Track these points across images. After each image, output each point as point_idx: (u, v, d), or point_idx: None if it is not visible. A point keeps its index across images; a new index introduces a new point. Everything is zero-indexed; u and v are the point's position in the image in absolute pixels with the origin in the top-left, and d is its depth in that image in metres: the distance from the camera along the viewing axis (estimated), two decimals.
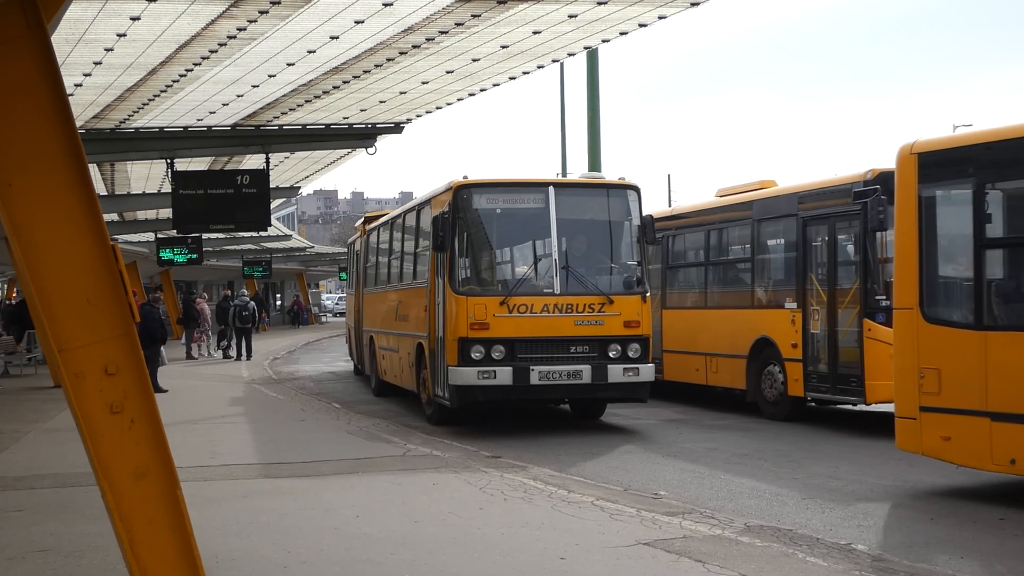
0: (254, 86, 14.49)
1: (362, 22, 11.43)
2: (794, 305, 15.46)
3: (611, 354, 14.27)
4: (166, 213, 27.20)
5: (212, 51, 12.38)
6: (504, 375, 13.96)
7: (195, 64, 12.99)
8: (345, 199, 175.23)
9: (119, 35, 11.40)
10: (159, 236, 31.65)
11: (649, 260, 18.54)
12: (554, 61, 14.20)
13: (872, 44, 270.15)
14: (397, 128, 18.34)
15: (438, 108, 17.03)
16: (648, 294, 14.90)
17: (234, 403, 19.13)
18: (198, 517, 6.91)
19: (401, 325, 17.83)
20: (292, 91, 15.04)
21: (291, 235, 52.48)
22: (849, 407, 16.04)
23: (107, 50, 12.03)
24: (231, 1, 10.43)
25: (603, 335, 14.27)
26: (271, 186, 19.00)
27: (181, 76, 13.61)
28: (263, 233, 34.90)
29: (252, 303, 32.65)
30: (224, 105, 15.78)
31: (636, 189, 15.14)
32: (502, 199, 14.85)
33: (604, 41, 13.31)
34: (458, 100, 16.47)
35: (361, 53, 12.96)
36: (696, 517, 8.79)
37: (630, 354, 14.37)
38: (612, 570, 7.23)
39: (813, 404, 16.25)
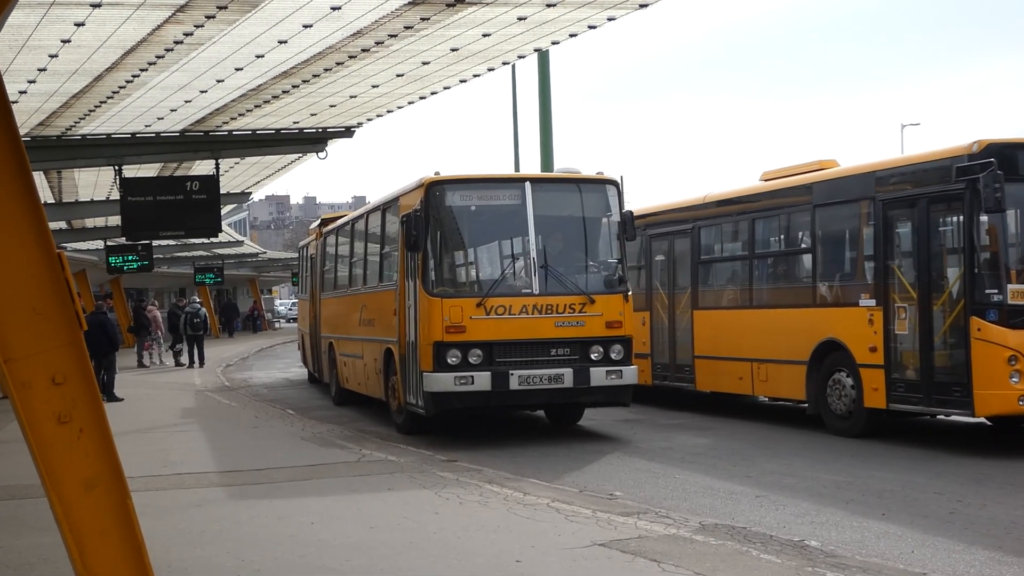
0: (202, 91, 14.40)
1: (310, 26, 11.41)
2: (872, 302, 13.33)
3: (593, 356, 13.65)
4: (115, 220, 26.99)
5: (159, 56, 12.29)
6: (482, 380, 13.28)
7: (142, 70, 12.89)
8: (297, 204, 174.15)
9: (63, 41, 11.29)
10: (108, 243, 31.33)
11: (637, 257, 18.15)
12: (504, 63, 14.25)
13: (825, 43, 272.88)
14: (348, 132, 18.31)
15: (389, 112, 17.04)
16: (629, 292, 14.27)
17: (187, 411, 18.95)
18: (150, 527, 6.84)
19: (366, 330, 17.14)
20: (241, 96, 14.97)
21: (243, 241, 52.21)
22: (942, 418, 14.32)
23: (51, 56, 11.91)
24: (177, 6, 10.36)
25: (585, 337, 13.64)
26: (221, 192, 18.89)
27: (128, 82, 13.50)
28: (214, 239, 34.68)
29: (203, 310, 32.41)
30: (172, 111, 15.67)
31: (615, 184, 14.53)
32: (476, 195, 14.20)
33: (554, 43, 13.38)
34: (409, 103, 16.48)
35: (310, 57, 12.93)
36: (651, 517, 8.82)
37: (612, 356, 13.71)
38: (568, 571, 7.24)
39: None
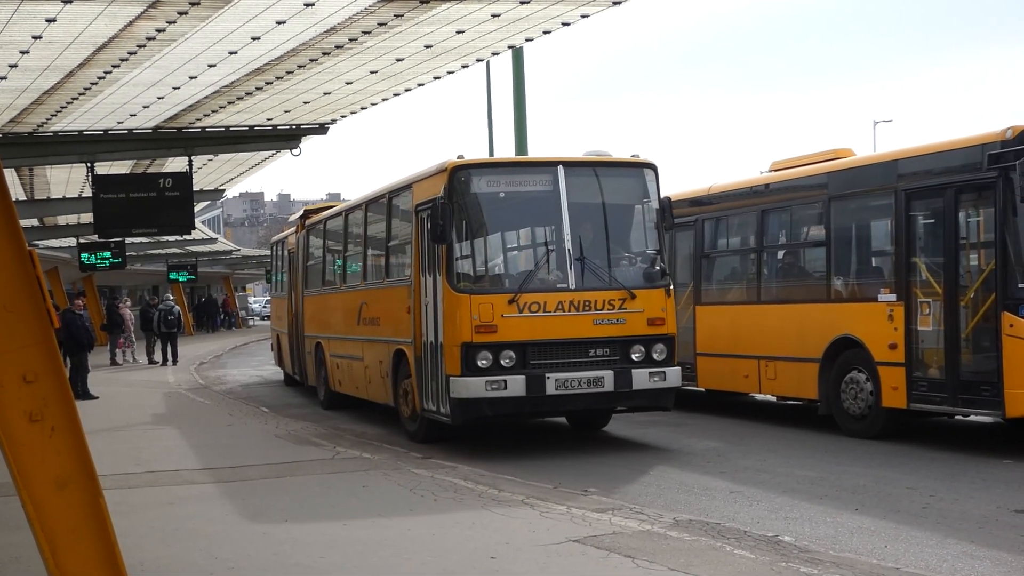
0: (175, 88, 14.32)
1: (284, 22, 11.36)
2: (892, 297, 12.71)
3: (634, 357, 12.55)
4: (88, 218, 26.77)
5: (131, 53, 12.22)
6: (516, 385, 12.14)
7: (114, 66, 12.81)
8: (272, 201, 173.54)
9: (34, 37, 11.21)
10: (81, 241, 31.14)
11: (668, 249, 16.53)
12: (478, 60, 14.22)
13: (800, 41, 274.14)
14: (322, 129, 18.25)
15: (363, 108, 16.98)
16: (672, 287, 13.16)
17: (160, 409, 18.86)
18: (123, 525, 6.82)
19: (368, 330, 15.83)
20: (214, 93, 14.89)
21: (217, 238, 51.99)
22: (964, 419, 13.84)
23: (22, 52, 11.82)
24: (149, 2, 10.30)
25: (625, 335, 12.53)
26: (195, 189, 18.78)
27: (100, 78, 13.41)
28: (187, 237, 34.48)
29: (176, 308, 32.26)
30: (145, 107, 15.57)
31: (653, 167, 13.30)
32: (504, 181, 12.95)
33: (528, 40, 13.37)
34: (383, 100, 16.43)
35: (283, 54, 12.87)
36: (625, 513, 8.84)
37: (655, 356, 12.62)
38: (542, 568, 7.25)
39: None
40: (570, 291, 12.42)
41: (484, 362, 12.15)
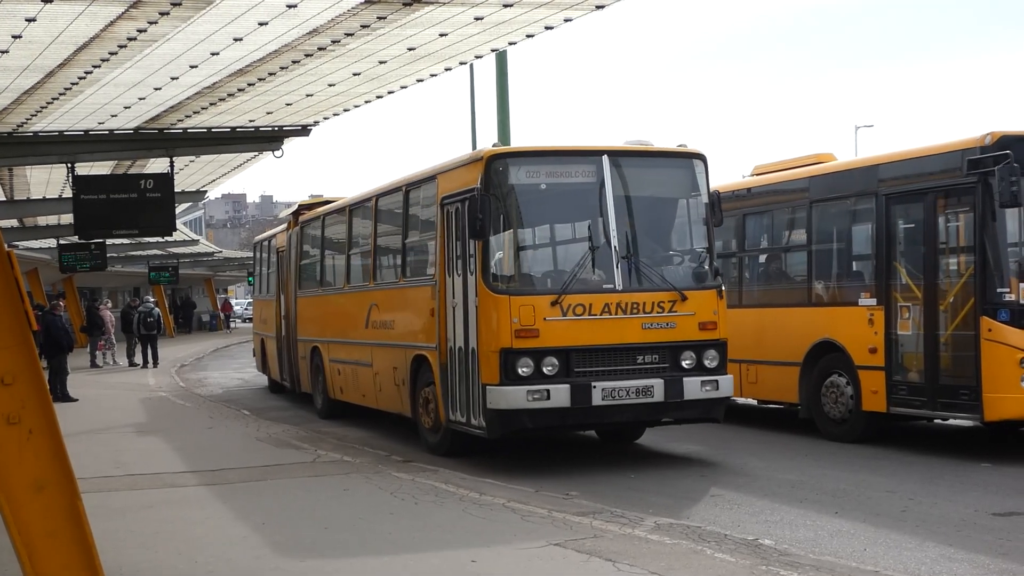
0: (156, 89, 14.26)
1: (266, 24, 11.32)
2: (872, 301, 12.77)
3: (685, 364, 11.66)
4: (68, 219, 26.67)
5: (112, 53, 12.16)
6: (560, 395, 11.16)
7: (95, 66, 12.74)
8: (254, 203, 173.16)
9: (14, 36, 11.14)
10: (61, 242, 30.99)
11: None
12: (461, 63, 14.20)
13: (779, 45, 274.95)
14: (304, 131, 18.20)
15: (345, 110, 16.94)
16: (723, 287, 12.25)
17: (140, 412, 18.77)
18: (101, 528, 6.78)
19: (379, 334, 14.76)
20: (196, 94, 14.83)
21: (198, 240, 51.75)
22: (944, 423, 13.76)
23: (2, 52, 11.76)
24: (130, 2, 10.24)
25: (675, 341, 11.64)
26: (176, 190, 18.68)
27: (81, 79, 13.34)
28: (169, 238, 34.40)
29: (157, 310, 32.13)
30: (126, 108, 15.50)
31: (703, 158, 12.44)
32: (545, 171, 11.92)
33: (511, 43, 13.35)
34: (366, 102, 16.39)
35: (266, 55, 12.83)
36: (607, 516, 8.84)
37: (707, 363, 11.75)
38: (523, 571, 7.25)
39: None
40: (616, 292, 11.52)
41: (525, 370, 11.18)
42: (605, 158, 11.90)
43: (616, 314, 11.47)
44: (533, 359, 11.20)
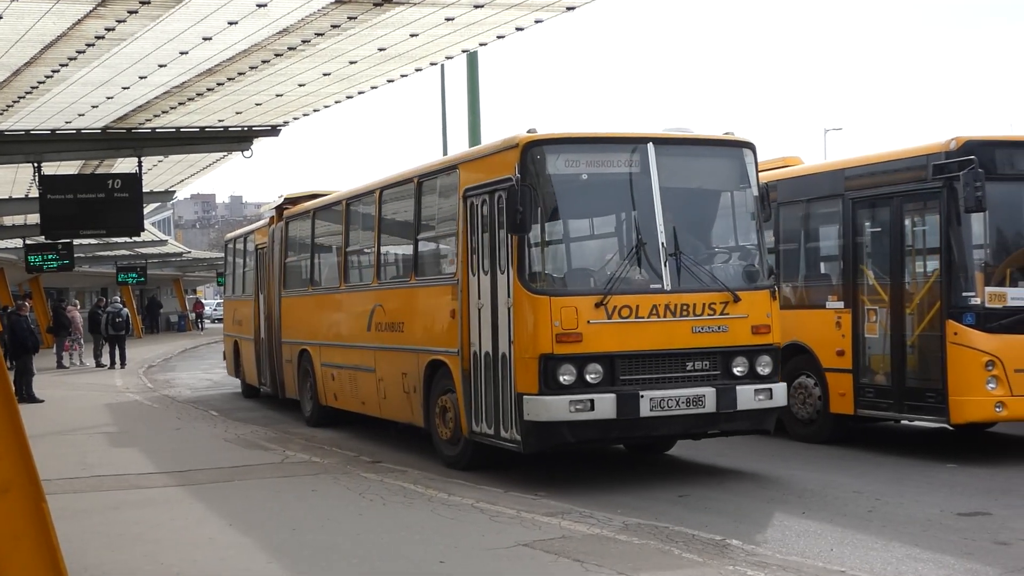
0: (125, 88, 14.19)
1: (236, 23, 11.29)
2: (839, 304, 12.79)
3: (737, 371, 10.80)
4: (34, 218, 26.41)
5: (80, 51, 12.09)
6: (605, 406, 10.20)
7: (62, 65, 12.67)
8: (223, 203, 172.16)
9: None
10: (27, 242, 30.72)
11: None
12: (432, 64, 14.23)
13: (754, 48, 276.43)
14: (274, 131, 18.16)
15: (315, 111, 16.92)
16: (776, 288, 11.53)
17: (106, 413, 18.63)
18: (67, 530, 6.73)
19: (385, 337, 13.64)
20: (164, 93, 14.77)
21: (167, 240, 51.48)
22: (911, 424, 13.76)
23: None
24: (98, 0, 10.19)
25: (728, 346, 10.78)
26: (144, 190, 18.59)
27: (48, 77, 13.26)
28: (137, 239, 34.12)
29: (125, 310, 31.93)
30: (94, 107, 15.41)
31: (752, 147, 11.59)
32: (586, 160, 10.92)
33: (482, 44, 13.39)
34: (336, 103, 16.38)
35: (235, 55, 12.79)
36: (575, 517, 8.85)
37: (760, 370, 10.88)
38: (492, 572, 7.25)
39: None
40: (665, 293, 10.62)
41: (567, 378, 10.23)
42: (650, 146, 10.97)
43: (664, 317, 10.60)
44: (576, 366, 10.28)
